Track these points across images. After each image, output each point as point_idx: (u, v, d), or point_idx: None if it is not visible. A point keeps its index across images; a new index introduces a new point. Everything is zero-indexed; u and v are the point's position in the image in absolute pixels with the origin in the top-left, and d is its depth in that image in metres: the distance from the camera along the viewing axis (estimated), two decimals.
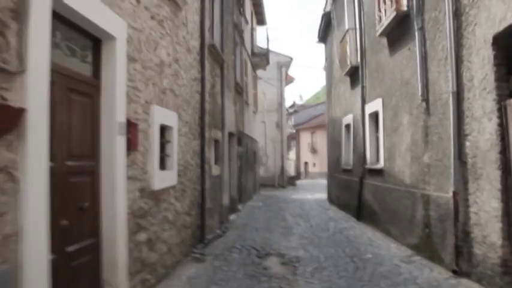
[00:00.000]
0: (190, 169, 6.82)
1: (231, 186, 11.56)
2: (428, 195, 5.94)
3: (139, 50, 4.54)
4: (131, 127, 4.07)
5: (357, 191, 9.93)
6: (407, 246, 6.63)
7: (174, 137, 5.76)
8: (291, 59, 25.57)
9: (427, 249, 5.92)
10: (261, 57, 17.93)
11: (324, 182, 35.30)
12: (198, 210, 7.21)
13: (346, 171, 11.70)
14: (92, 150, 3.61)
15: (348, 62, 10.74)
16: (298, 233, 8.77)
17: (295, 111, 49.94)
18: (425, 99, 6.11)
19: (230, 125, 11.03)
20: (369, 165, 9.27)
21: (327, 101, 16.76)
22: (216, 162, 9.07)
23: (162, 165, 5.42)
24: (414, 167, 6.53)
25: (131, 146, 4.06)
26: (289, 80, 31.31)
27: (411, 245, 6.50)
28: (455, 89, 5.16)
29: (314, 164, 47.96)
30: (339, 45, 12.23)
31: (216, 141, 9.16)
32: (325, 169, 44.48)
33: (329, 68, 15.47)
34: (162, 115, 5.20)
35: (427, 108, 6.07)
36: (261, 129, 24.15)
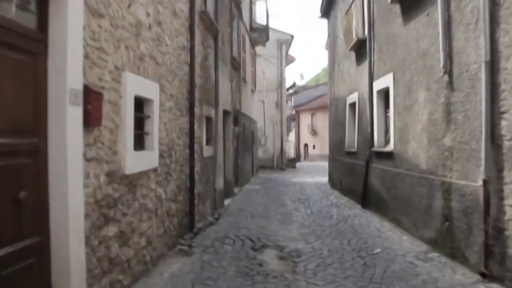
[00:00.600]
0: (177, 149, 6.01)
1: (226, 168, 10.78)
2: (449, 183, 5.14)
3: (106, 3, 3.67)
4: (92, 96, 3.24)
5: (363, 175, 9.16)
6: (422, 240, 5.86)
7: (155, 111, 4.93)
8: (292, 37, 24.52)
9: (446, 245, 5.15)
10: (260, 33, 16.95)
11: (324, 164, 34.55)
12: (186, 196, 6.44)
13: (350, 153, 10.90)
14: (34, 123, 2.79)
15: (354, 36, 9.82)
16: (298, 220, 8.03)
17: (296, 92, 49.01)
18: (448, 71, 5.25)
19: (225, 103, 10.18)
20: (376, 148, 8.47)
21: (329, 79, 15.87)
22: (208, 143, 8.26)
23: (139, 145, 4.61)
24: (432, 151, 5.72)
25: (92, 119, 3.23)
26: (289, 59, 30.32)
27: (427, 239, 5.74)
28: (488, 57, 4.31)
29: (314, 146, 47.26)
30: (343, 18, 11.28)
31: (209, 119, 8.34)
32: (325, 151, 43.74)
33: (332, 45, 14.53)
34: (138, 85, 4.36)
35: (450, 82, 5.22)
36: (259, 109, 23.26)
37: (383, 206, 7.87)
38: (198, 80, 7.12)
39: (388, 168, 7.68)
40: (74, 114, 2.98)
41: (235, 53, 12.14)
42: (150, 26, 4.81)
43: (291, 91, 45.27)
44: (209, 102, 8.18)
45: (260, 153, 23.88)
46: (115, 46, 3.84)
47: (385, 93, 8.25)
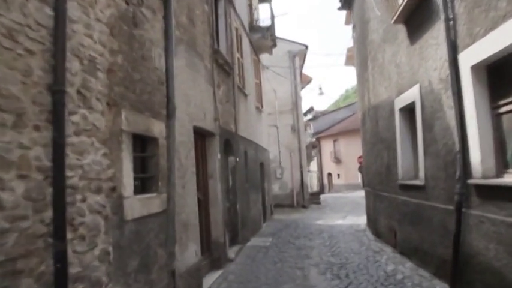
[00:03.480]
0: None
1: (208, 224, 6.74)
2: None
3: None
4: None
5: (447, 229, 4.95)
6: None
7: None
8: (306, 47, 20.74)
9: None
10: (264, 34, 13.12)
11: (352, 196, 30.06)
12: None
13: (408, 188, 6.69)
14: None
15: None
16: None
17: (314, 118, 45.09)
18: None
19: (199, 116, 6.20)
20: (480, 179, 4.29)
21: (358, 87, 11.83)
22: (146, 188, 4.25)
23: None
24: None
25: None
26: (305, 80, 26.40)
27: None
28: None
29: (338, 175, 42.86)
30: None
31: (147, 141, 4.35)
32: (351, 180, 39.33)
33: (360, 37, 10.56)
34: None
35: None
36: (272, 135, 19.28)
37: None
38: (106, 55, 3.20)
39: None
40: None
41: (222, 48, 8.28)
42: None
43: (309, 116, 41.31)
44: (144, 107, 4.20)
45: (276, 188, 19.71)
46: None
47: (489, 70, 4.17)
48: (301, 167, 20.28)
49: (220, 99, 7.93)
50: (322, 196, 25.95)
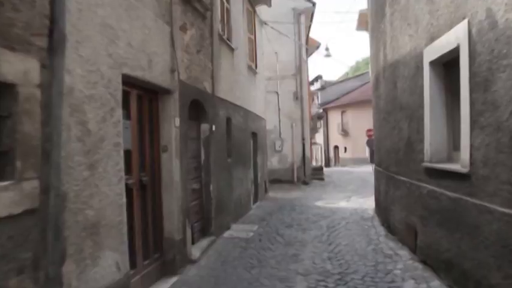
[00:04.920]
0: None
1: (162, 214, 4.84)
2: None
3: None
4: None
5: (508, 247, 3.00)
6: None
7: None
8: (313, 4, 18.35)
9: None
10: None
11: (359, 171, 28.09)
12: None
13: (441, 175, 4.66)
14: None
15: None
16: None
17: (322, 88, 42.71)
18: None
19: (135, 60, 4.14)
20: None
21: (371, 42, 9.66)
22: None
23: None
24: None
25: None
26: (312, 44, 23.88)
27: None
28: None
29: (345, 149, 40.89)
30: None
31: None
32: (358, 154, 37.11)
33: None
34: None
35: None
36: (272, 103, 17.21)
37: None
38: None
39: None
40: None
41: None
42: None
43: (316, 85, 38.97)
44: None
45: (274, 162, 17.79)
46: None
47: None
48: (303, 139, 18.25)
49: (186, 47, 5.87)
50: (326, 170, 24.02)
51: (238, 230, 7.81)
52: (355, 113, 38.05)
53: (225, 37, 8.19)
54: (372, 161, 31.20)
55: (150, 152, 4.99)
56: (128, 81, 4.21)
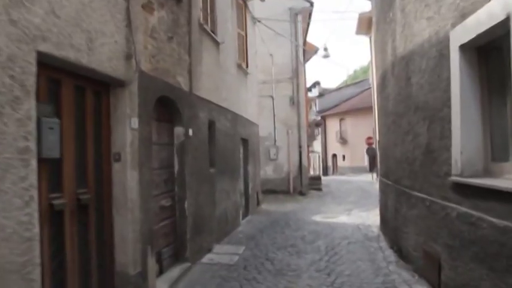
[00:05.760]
0: None
1: (114, 242, 3.64)
2: None
3: None
4: None
5: None
6: None
7: None
8: (311, 4, 17.29)
9: None
10: None
11: (358, 180, 26.90)
12: None
13: (479, 193, 3.49)
14: None
15: None
16: None
17: (320, 95, 41.64)
18: None
19: (63, 37, 2.95)
20: None
21: (376, 36, 8.55)
22: None
23: None
24: None
25: None
26: (310, 49, 22.78)
27: None
28: None
29: (344, 157, 39.89)
30: None
31: None
32: (357, 163, 35.90)
33: None
34: None
35: None
36: (267, 108, 16.11)
37: None
38: None
39: None
40: None
41: None
42: None
43: (314, 92, 37.90)
44: None
45: (269, 171, 16.61)
46: None
47: None
48: (300, 146, 17.09)
49: (152, 31, 4.73)
50: (324, 179, 22.82)
51: (221, 253, 6.61)
52: (354, 121, 37.03)
53: (207, 28, 7.05)
54: (371, 169, 30.18)
55: (96, 162, 3.81)
56: (55, 65, 3.06)
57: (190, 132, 5.94)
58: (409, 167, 5.53)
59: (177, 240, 5.66)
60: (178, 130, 5.71)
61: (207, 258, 6.28)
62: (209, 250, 6.62)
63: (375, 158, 26.55)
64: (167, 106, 5.41)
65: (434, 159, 4.54)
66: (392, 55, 6.63)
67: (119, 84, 4.00)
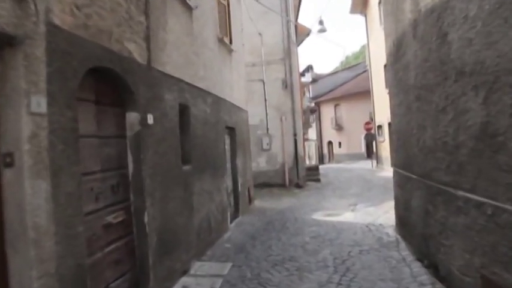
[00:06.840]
0: None
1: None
2: None
3: None
4: None
5: None
6: None
7: None
8: None
9: None
10: None
11: (357, 168, 25.48)
12: None
13: None
14: None
15: None
16: None
17: (314, 81, 40.13)
18: None
19: None
20: None
21: None
22: None
23: None
24: None
25: None
26: (302, 31, 21.01)
27: None
28: None
29: (340, 144, 38.55)
30: None
31: None
32: (354, 150, 34.43)
33: None
34: None
35: None
36: (257, 93, 14.61)
37: None
38: None
39: None
40: None
41: None
42: None
43: (307, 77, 36.33)
44: None
45: (262, 163, 15.12)
46: None
47: None
48: (295, 134, 15.58)
49: None
50: (321, 168, 21.33)
51: (200, 275, 5.12)
52: (350, 106, 35.63)
53: None
54: (369, 156, 28.80)
55: None
56: None
57: (150, 119, 4.40)
58: (449, 156, 4.02)
59: (134, 266, 4.15)
60: (132, 117, 4.17)
61: (179, 285, 4.78)
62: (184, 272, 5.13)
63: (372, 144, 25.20)
64: (112, 83, 3.87)
65: (500, 145, 3.05)
66: (412, 12, 5.10)
67: (6, 41, 2.45)
